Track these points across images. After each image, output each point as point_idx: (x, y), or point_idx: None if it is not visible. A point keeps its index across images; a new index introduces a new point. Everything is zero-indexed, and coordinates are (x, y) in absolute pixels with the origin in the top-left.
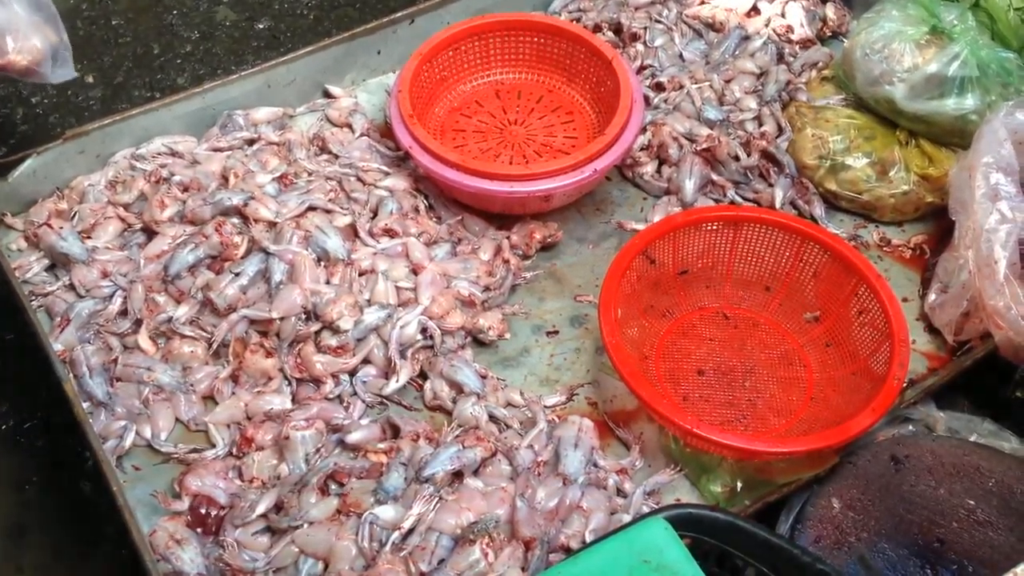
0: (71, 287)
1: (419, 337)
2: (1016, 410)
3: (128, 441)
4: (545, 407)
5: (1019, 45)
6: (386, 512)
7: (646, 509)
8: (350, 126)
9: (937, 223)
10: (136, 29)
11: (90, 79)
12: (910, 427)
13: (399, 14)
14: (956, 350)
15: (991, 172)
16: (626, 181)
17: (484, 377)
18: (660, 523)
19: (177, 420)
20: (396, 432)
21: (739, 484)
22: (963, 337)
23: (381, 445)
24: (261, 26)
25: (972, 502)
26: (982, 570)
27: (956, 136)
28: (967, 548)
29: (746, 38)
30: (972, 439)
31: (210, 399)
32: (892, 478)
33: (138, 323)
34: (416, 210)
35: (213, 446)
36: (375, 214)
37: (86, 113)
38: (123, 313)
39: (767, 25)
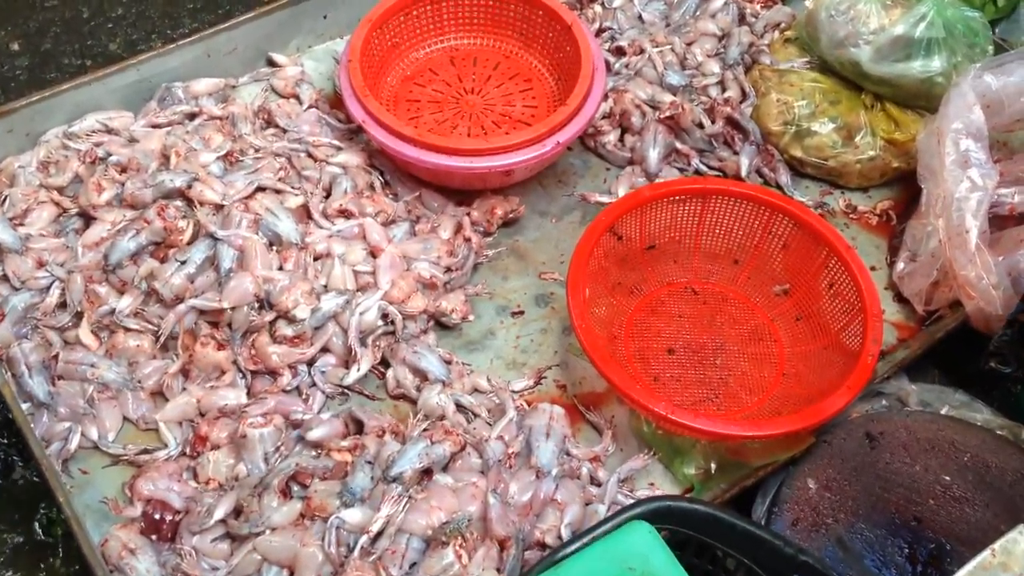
0: (4, 279)
1: (380, 323)
2: (989, 382)
3: (73, 443)
4: (513, 392)
5: (982, 3)
6: (353, 515)
7: (621, 498)
8: (297, 97)
9: (903, 189)
10: None
11: (15, 47)
12: (883, 401)
13: None
14: (925, 319)
15: (960, 138)
16: (588, 151)
17: (448, 362)
18: (643, 527)
19: (125, 419)
20: (359, 427)
21: (713, 466)
22: (933, 307)
23: (345, 442)
24: None
25: (948, 478)
26: (960, 547)
27: (922, 99)
28: (944, 525)
29: None
30: (944, 411)
31: (159, 395)
32: (867, 456)
33: (79, 316)
34: (371, 187)
35: (165, 446)
36: (328, 193)
37: (12, 84)
38: (62, 306)
39: None
